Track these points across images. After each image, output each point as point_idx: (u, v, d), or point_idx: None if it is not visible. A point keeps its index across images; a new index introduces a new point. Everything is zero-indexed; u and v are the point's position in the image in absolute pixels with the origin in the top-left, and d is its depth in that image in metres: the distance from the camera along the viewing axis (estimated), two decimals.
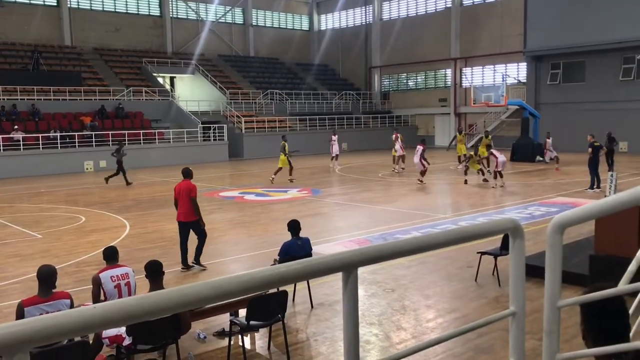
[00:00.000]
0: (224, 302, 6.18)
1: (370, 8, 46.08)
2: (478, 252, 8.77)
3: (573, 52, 32.35)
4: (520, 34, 35.81)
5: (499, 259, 8.59)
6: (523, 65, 37.19)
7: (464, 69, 41.40)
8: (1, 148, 26.56)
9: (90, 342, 5.50)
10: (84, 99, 32.52)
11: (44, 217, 15.28)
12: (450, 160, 27.42)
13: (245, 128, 35.11)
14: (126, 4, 40.66)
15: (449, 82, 42.34)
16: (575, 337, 5.67)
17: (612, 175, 13.56)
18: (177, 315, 5.53)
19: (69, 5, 37.71)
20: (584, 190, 17.63)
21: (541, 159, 26.25)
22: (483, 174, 20.17)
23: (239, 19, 46.40)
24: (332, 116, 39.78)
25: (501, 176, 18.98)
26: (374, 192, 18.84)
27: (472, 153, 21.28)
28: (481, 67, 40.35)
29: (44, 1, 37.23)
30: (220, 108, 36.95)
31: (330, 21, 50.02)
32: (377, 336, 6.65)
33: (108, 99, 33.19)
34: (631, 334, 2.26)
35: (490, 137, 22.81)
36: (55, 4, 37.46)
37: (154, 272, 5.77)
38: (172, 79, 40.66)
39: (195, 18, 43.77)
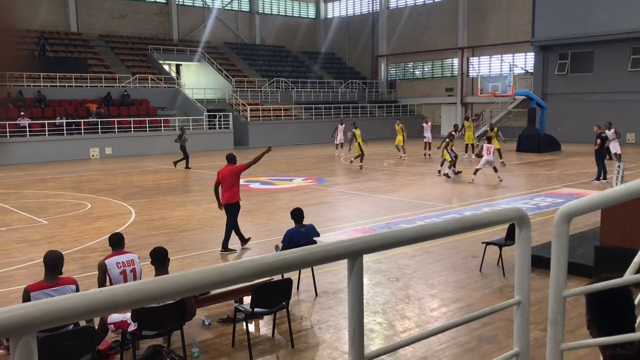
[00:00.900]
0: (229, 289, 6.22)
1: None
2: (483, 242, 8.77)
3: (581, 42, 32.09)
4: (528, 24, 35.53)
5: (504, 249, 8.58)
6: (530, 55, 36.95)
7: (471, 58, 41.17)
8: (7, 134, 26.63)
9: (96, 327, 5.55)
10: (90, 86, 32.54)
11: (49, 204, 15.35)
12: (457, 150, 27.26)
13: (251, 116, 35.08)
14: None
15: (456, 72, 42.12)
16: (579, 328, 5.68)
17: (619, 167, 13.49)
18: (182, 302, 5.56)
19: None
20: (590, 181, 17.57)
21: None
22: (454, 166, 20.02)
23: (245, 7, 46.21)
24: (338, 105, 39.67)
25: (475, 173, 18.32)
26: (379, 181, 18.82)
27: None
28: (488, 56, 40.10)
29: None
30: (226, 96, 36.91)
31: (337, 9, 49.75)
32: (381, 325, 6.67)
33: (114, 86, 33.21)
34: (636, 325, 2.25)
35: (495, 129, 22.65)
36: None
37: (160, 259, 5.80)
38: (177, 66, 40.60)
39: (201, 5, 43.62)
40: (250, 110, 35.18)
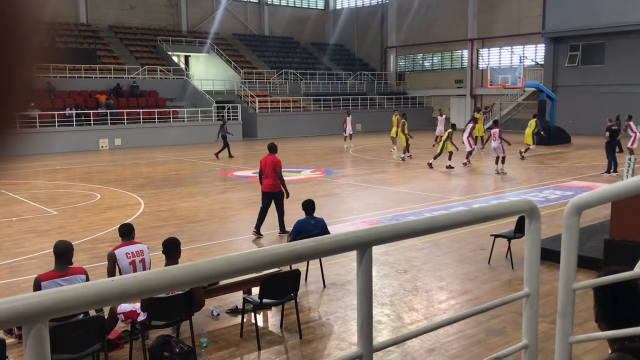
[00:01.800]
0: (238, 280, 6.25)
1: None
2: (491, 235, 8.75)
3: (592, 33, 31.78)
4: (538, 15, 35.23)
5: (513, 242, 8.56)
6: (541, 47, 36.66)
7: (480, 50, 40.90)
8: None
9: (106, 317, 5.59)
10: (99, 77, 32.63)
11: (59, 194, 15.45)
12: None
13: (259, 108, 35.08)
14: None
15: (465, 63, 41.88)
16: (588, 321, 5.66)
17: (630, 159, 13.39)
18: (191, 293, 5.60)
19: None
20: (600, 174, 17.47)
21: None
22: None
23: None
24: (347, 97, 39.57)
25: (503, 162, 18.17)
26: (388, 173, 18.80)
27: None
28: (498, 48, 39.82)
29: None
30: (234, 87, 36.91)
31: (346, 0, 49.52)
32: (389, 316, 6.68)
33: (123, 77, 33.28)
34: None
35: (481, 114, 23.00)
36: None
37: (172, 249, 5.82)
38: (186, 57, 40.62)
39: None
40: (259, 101, 35.17)
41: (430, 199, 13.86)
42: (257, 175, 10.67)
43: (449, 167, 19.18)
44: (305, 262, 7.81)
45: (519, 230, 8.36)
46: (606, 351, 2.32)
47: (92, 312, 5.39)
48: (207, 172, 19.42)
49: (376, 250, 8.86)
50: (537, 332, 2.14)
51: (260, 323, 6.47)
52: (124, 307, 5.73)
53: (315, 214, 8.07)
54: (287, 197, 10.19)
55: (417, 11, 43.24)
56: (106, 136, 28.86)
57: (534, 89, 32.81)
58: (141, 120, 30.09)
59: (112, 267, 6.14)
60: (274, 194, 10.14)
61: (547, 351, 4.39)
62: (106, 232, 10.87)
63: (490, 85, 32.06)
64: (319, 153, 25.04)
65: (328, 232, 7.95)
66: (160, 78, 34.71)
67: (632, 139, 19.71)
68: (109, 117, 29.11)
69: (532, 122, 22.69)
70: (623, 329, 2.06)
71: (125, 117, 29.63)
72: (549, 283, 7.01)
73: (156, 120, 30.67)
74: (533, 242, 2.07)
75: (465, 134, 20.15)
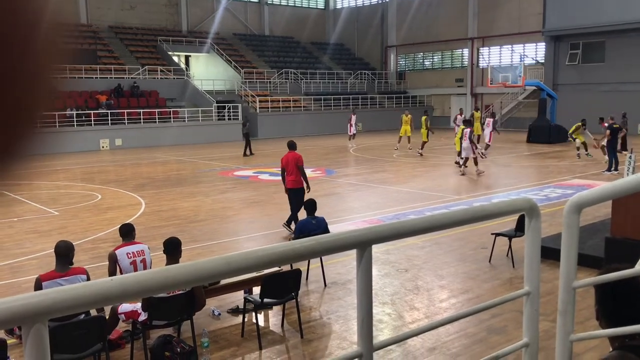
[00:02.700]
0: (239, 279, 6.25)
1: None
2: (492, 234, 8.75)
3: (593, 32, 31.76)
4: (539, 14, 35.20)
5: (514, 240, 8.55)
6: (541, 45, 36.63)
7: (481, 48, 40.88)
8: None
9: (107, 317, 5.59)
10: (100, 77, 32.65)
11: (60, 195, 15.46)
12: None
13: (260, 107, 35.08)
14: None
15: (466, 62, 41.85)
16: (588, 319, 5.66)
17: (630, 157, 13.38)
18: (192, 292, 5.60)
19: None
20: (601, 172, 17.45)
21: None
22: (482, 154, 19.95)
23: None
24: (347, 96, 39.57)
25: (475, 164, 17.75)
26: (388, 172, 18.79)
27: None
28: (499, 47, 39.80)
29: None
30: (235, 87, 36.91)
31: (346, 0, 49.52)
32: (390, 315, 6.68)
33: (123, 77, 33.29)
34: None
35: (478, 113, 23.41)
36: None
37: (173, 249, 5.82)
38: (187, 57, 40.62)
39: None
40: (260, 101, 35.17)
41: (431, 198, 13.86)
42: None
43: (457, 163, 19.31)
44: (306, 262, 7.82)
45: (520, 229, 8.36)
46: (607, 349, 2.32)
47: (94, 312, 5.40)
48: (208, 172, 19.42)
49: (377, 249, 8.88)
50: (538, 330, 2.14)
51: (261, 322, 6.47)
52: (125, 307, 5.73)
53: (316, 214, 8.08)
54: (309, 191, 10.33)
55: (417, 10, 43.21)
56: (107, 136, 28.87)
57: (534, 88, 32.79)
58: (142, 121, 30.10)
59: (113, 267, 6.14)
60: (297, 190, 10.29)
61: (548, 349, 4.38)
62: (107, 232, 10.88)
63: (491, 84, 32.05)
64: (320, 152, 25.05)
65: (328, 231, 7.96)
66: (161, 78, 34.72)
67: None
68: (109, 117, 29.12)
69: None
70: (624, 327, 2.06)
71: (125, 117, 29.64)
72: (549, 281, 7.00)
73: (157, 120, 30.68)
74: (533, 240, 2.07)
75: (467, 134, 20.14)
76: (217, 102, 33.41)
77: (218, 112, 33.36)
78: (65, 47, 0.57)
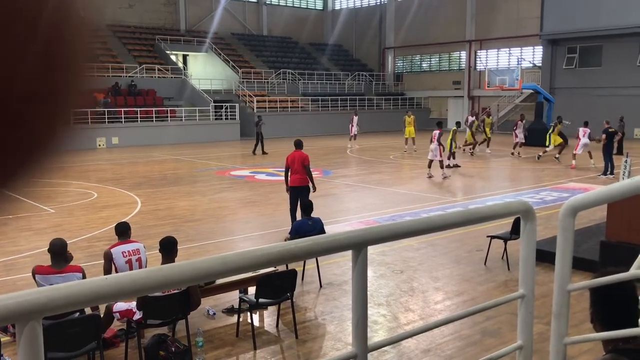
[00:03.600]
0: (234, 279, 6.25)
1: None
2: (488, 236, 8.76)
3: (590, 36, 31.85)
4: (537, 17, 35.28)
5: (509, 243, 8.57)
6: (539, 49, 36.71)
7: (478, 51, 40.95)
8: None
9: (101, 316, 5.58)
10: (97, 75, 32.38)
11: (56, 192, 15.41)
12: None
13: (257, 107, 35.05)
14: None
15: (463, 65, 41.93)
16: (582, 323, 5.67)
17: (626, 161, 13.42)
18: (187, 292, 5.59)
19: None
20: (597, 176, 17.50)
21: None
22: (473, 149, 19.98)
23: None
24: (345, 97, 39.58)
25: (441, 167, 17.59)
26: (385, 174, 18.81)
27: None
28: (496, 50, 39.88)
29: None
30: (232, 87, 36.89)
31: (344, 1, 49.52)
32: (385, 317, 6.68)
33: (121, 76, 33.23)
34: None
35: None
36: None
37: (169, 248, 5.81)
38: (184, 57, 40.56)
39: None
40: (257, 101, 35.15)
41: (428, 200, 13.87)
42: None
43: (456, 165, 19.36)
44: (302, 262, 7.82)
45: (515, 231, 8.37)
46: (600, 352, 2.33)
47: (88, 311, 5.38)
48: (205, 172, 19.41)
49: (372, 250, 8.88)
50: (532, 333, 2.14)
51: (256, 323, 6.47)
52: (120, 306, 5.72)
53: (312, 214, 8.08)
54: (314, 190, 10.31)
55: (415, 12, 43.26)
56: (103, 135, 28.79)
57: (531, 91, 32.86)
58: (139, 119, 30.05)
59: (108, 265, 6.13)
60: (301, 188, 10.27)
61: (541, 352, 4.39)
62: (103, 230, 10.85)
63: (488, 86, 32.11)
64: (317, 153, 25.04)
65: (324, 231, 7.96)
66: (159, 77, 34.66)
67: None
68: (106, 116, 29.06)
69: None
70: (618, 331, 2.06)
71: (122, 115, 29.58)
72: (544, 284, 7.01)
73: (154, 119, 30.63)
74: (528, 243, 2.08)
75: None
76: (214, 102, 33.37)
77: (215, 112, 33.32)
78: (93, 42, 0.58)
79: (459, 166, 19.53)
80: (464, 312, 2.19)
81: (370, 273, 7.99)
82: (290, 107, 36.85)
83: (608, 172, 17.36)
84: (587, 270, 6.90)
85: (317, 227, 7.84)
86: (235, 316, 6.45)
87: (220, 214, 12.60)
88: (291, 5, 48.40)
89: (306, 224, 7.80)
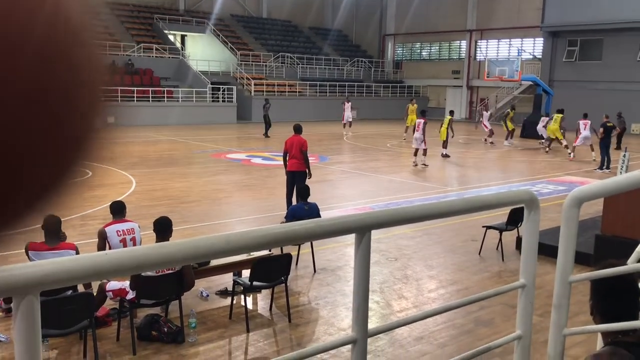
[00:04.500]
0: (229, 261, 6.23)
1: None
2: (483, 226, 8.76)
3: (591, 29, 31.75)
4: (538, 9, 35.13)
5: (504, 234, 8.58)
6: (539, 41, 36.60)
7: (479, 41, 40.79)
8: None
9: (94, 294, 5.56)
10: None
11: None
12: (461, 134, 27.19)
13: (255, 91, 34.87)
14: None
15: (463, 54, 41.77)
16: (577, 315, 5.69)
17: (624, 156, 13.44)
18: (181, 272, 5.57)
19: None
20: (593, 170, 17.52)
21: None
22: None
23: None
24: (343, 83, 39.41)
25: (424, 154, 17.55)
26: (382, 161, 18.78)
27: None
28: (497, 40, 39.73)
29: None
30: (230, 69, 36.65)
31: None
32: (378, 303, 6.69)
33: (118, 54, 32.93)
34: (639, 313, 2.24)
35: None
36: None
37: (163, 229, 5.77)
38: (183, 37, 40.22)
39: None
40: (255, 84, 34.95)
41: (424, 189, 13.87)
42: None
43: (446, 155, 19.36)
44: (297, 247, 7.81)
45: (511, 222, 8.38)
46: (594, 344, 2.32)
47: (81, 288, 5.36)
48: (201, 154, 19.33)
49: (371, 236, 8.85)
50: (531, 323, 2.13)
51: (249, 305, 6.46)
52: (113, 285, 5.70)
53: (308, 200, 8.05)
54: (310, 177, 10.29)
55: (417, 0, 42.99)
56: None
57: (530, 83, 32.79)
58: (135, 99, 29.85)
59: (102, 244, 6.10)
60: (298, 173, 10.25)
61: (535, 343, 4.39)
62: (97, 209, 10.80)
63: (487, 77, 32.03)
64: (314, 139, 24.93)
65: (319, 216, 7.94)
66: (156, 57, 34.38)
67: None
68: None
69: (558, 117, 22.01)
70: (618, 323, 2.05)
71: (119, 94, 29.36)
72: (538, 276, 7.01)
73: (150, 99, 30.43)
74: (531, 233, 2.05)
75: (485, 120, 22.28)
76: (211, 84, 33.17)
77: (212, 94, 33.13)
78: (96, 25, 0.56)
79: (449, 156, 19.53)
80: (463, 301, 2.18)
81: None
82: (288, 91, 36.67)
83: (604, 167, 17.38)
84: (581, 263, 6.93)
85: (314, 213, 7.81)
86: (229, 298, 6.44)
87: (215, 196, 12.56)
88: None
89: (302, 209, 7.78)
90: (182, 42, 39.82)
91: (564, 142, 21.32)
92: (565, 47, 34.06)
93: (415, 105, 25.29)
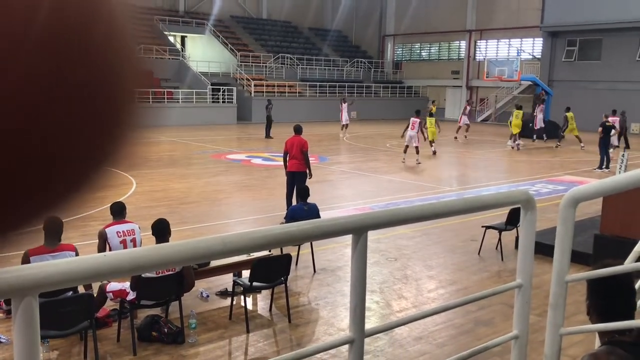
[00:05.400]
0: (228, 261, 6.25)
1: None
2: (483, 226, 8.77)
3: (590, 29, 31.77)
4: (537, 9, 35.14)
5: (503, 234, 8.59)
6: (539, 41, 36.61)
7: (478, 41, 40.81)
8: (150, 100, 26.39)
9: (95, 295, 5.57)
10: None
11: None
12: (461, 134, 27.23)
13: (255, 91, 34.88)
14: None
15: (463, 55, 41.79)
16: (574, 315, 5.70)
17: (623, 156, 13.45)
18: (181, 273, 5.59)
19: None
20: (593, 169, 17.53)
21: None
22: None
23: None
24: (343, 84, 39.41)
25: (417, 152, 17.94)
26: (381, 162, 18.79)
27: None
28: (496, 40, 39.75)
29: None
30: (230, 70, 36.66)
31: None
32: (377, 303, 6.70)
33: None
34: (636, 312, 2.26)
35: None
36: None
37: (161, 232, 5.77)
38: (182, 38, 40.23)
39: None
40: (255, 85, 34.96)
41: (423, 189, 13.88)
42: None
43: (433, 152, 19.70)
44: (297, 247, 7.82)
45: (510, 222, 8.39)
46: (592, 344, 2.33)
47: (81, 289, 5.37)
48: (201, 154, 19.34)
49: (367, 237, 8.87)
50: (528, 323, 2.14)
51: (249, 306, 6.48)
52: (114, 286, 5.71)
53: (308, 200, 8.06)
54: (310, 177, 10.32)
55: (416, 0, 43.00)
56: None
57: (529, 83, 32.82)
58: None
59: (103, 245, 6.11)
60: (298, 173, 10.28)
61: (533, 343, 4.41)
62: (98, 210, 10.81)
63: (487, 77, 32.06)
64: (313, 139, 24.91)
65: (319, 216, 7.95)
66: (156, 58, 34.38)
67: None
68: None
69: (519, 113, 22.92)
70: (615, 323, 2.06)
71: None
72: (536, 276, 7.02)
73: (150, 100, 30.43)
74: (528, 233, 2.06)
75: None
76: (211, 85, 33.17)
77: (212, 95, 33.13)
78: (134, 27, 0.59)
79: (435, 153, 19.85)
80: (460, 301, 2.19)
81: None
82: (288, 92, 36.67)
83: (604, 166, 17.39)
84: (580, 262, 6.94)
85: (313, 213, 7.82)
86: (229, 299, 6.45)
87: (215, 197, 12.57)
88: None
89: (302, 210, 7.79)
90: (182, 43, 39.84)
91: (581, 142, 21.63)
92: (565, 47, 34.08)
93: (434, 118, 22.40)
